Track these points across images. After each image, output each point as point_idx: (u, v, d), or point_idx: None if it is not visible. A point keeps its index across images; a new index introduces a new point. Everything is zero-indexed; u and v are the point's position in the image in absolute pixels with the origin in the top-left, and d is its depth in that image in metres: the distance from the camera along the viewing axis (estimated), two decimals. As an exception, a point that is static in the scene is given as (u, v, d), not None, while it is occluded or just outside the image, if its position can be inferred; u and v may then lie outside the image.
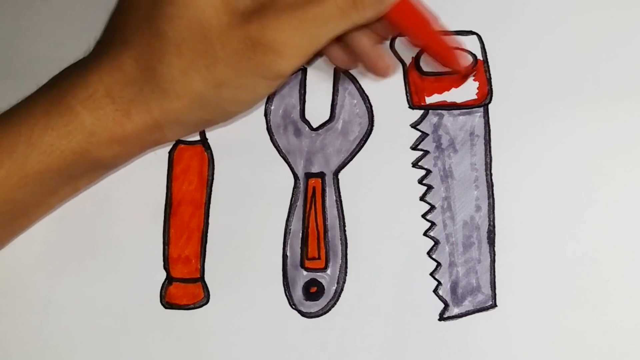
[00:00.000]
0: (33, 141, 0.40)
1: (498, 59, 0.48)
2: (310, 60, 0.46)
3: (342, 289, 0.46)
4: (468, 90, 0.48)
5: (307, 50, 0.40)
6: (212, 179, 0.48)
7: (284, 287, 0.47)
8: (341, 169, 0.48)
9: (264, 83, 0.41)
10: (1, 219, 0.42)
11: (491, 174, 0.47)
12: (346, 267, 0.47)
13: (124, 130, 0.41)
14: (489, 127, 0.47)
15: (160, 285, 0.47)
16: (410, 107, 0.48)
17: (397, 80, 0.48)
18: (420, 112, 0.48)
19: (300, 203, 0.47)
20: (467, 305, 0.46)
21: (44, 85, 0.42)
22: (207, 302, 0.47)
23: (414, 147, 0.48)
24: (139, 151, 0.44)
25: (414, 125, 0.48)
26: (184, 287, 0.47)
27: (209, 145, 0.48)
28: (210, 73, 0.40)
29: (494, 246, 0.46)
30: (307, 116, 0.48)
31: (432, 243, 0.47)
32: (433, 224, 0.47)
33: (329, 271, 0.47)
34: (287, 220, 0.47)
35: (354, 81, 0.48)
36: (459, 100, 0.48)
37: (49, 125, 0.40)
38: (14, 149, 0.40)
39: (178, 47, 0.40)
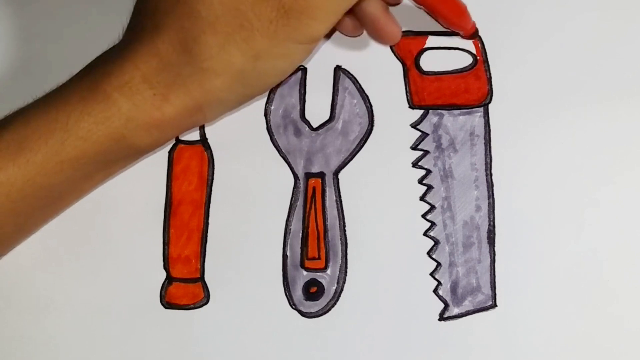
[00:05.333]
0: (69, 127, 0.41)
1: (498, 59, 0.48)
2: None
3: (342, 289, 0.46)
4: (468, 90, 0.48)
5: (339, 10, 0.41)
6: (212, 178, 0.48)
7: (284, 287, 0.47)
8: (341, 169, 0.48)
9: (300, 48, 0.42)
10: (37, 203, 0.42)
11: (491, 174, 0.47)
12: (346, 267, 0.47)
13: (163, 114, 0.41)
14: (489, 127, 0.47)
15: (160, 285, 0.47)
16: (410, 107, 0.48)
17: (397, 80, 0.48)
18: (420, 112, 0.48)
19: (300, 203, 0.47)
20: (467, 305, 0.46)
21: (77, 74, 0.43)
22: (207, 302, 0.47)
23: (414, 147, 0.48)
24: (176, 134, 0.44)
25: (414, 125, 0.48)
26: (184, 287, 0.47)
27: (209, 145, 0.48)
28: (248, 45, 0.40)
29: (494, 246, 0.46)
30: (307, 116, 0.48)
31: (432, 243, 0.47)
32: (433, 224, 0.47)
33: (329, 271, 0.47)
34: (287, 220, 0.47)
35: (354, 81, 0.48)
36: (458, 101, 0.48)
37: (85, 111, 0.41)
38: (50, 135, 0.41)
39: (212, 25, 0.40)
